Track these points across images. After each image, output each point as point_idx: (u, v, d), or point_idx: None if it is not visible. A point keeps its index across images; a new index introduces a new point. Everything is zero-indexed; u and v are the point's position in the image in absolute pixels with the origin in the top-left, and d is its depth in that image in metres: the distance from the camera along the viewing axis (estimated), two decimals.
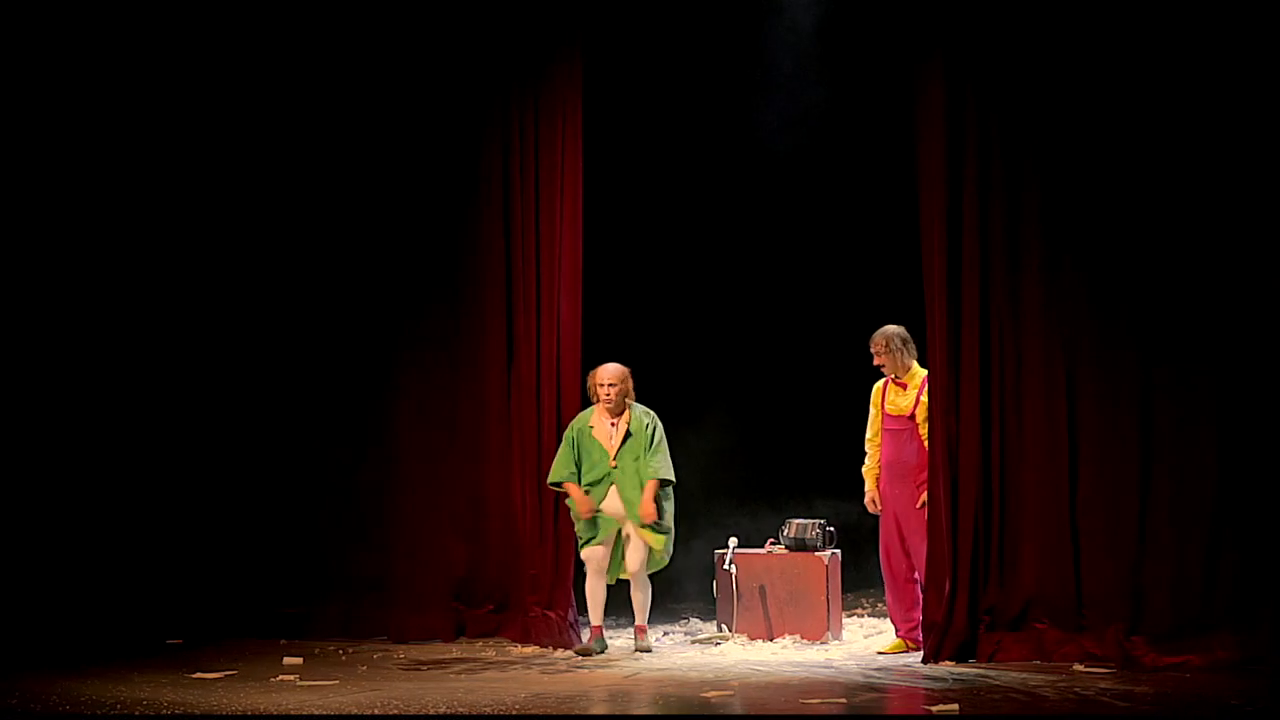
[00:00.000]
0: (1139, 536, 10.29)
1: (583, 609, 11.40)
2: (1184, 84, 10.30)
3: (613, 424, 11.32)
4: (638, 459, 11.20)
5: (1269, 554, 10.06)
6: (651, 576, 11.33)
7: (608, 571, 11.27)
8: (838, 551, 11.71)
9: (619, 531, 11.26)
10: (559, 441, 11.40)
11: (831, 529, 11.71)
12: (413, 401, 11.89)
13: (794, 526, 11.68)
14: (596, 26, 11.86)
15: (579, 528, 11.28)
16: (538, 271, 11.65)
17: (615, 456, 11.24)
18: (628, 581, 11.27)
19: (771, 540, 11.83)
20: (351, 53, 12.00)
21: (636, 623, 11.30)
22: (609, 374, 11.31)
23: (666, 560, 11.33)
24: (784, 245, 13.50)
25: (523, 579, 11.55)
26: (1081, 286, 10.49)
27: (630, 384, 11.39)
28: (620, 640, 11.43)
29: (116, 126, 12.07)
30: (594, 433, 11.32)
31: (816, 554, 11.52)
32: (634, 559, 11.20)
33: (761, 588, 11.59)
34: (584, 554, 11.29)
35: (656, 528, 11.13)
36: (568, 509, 11.32)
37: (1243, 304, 10.17)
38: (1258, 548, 10.08)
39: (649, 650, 11.14)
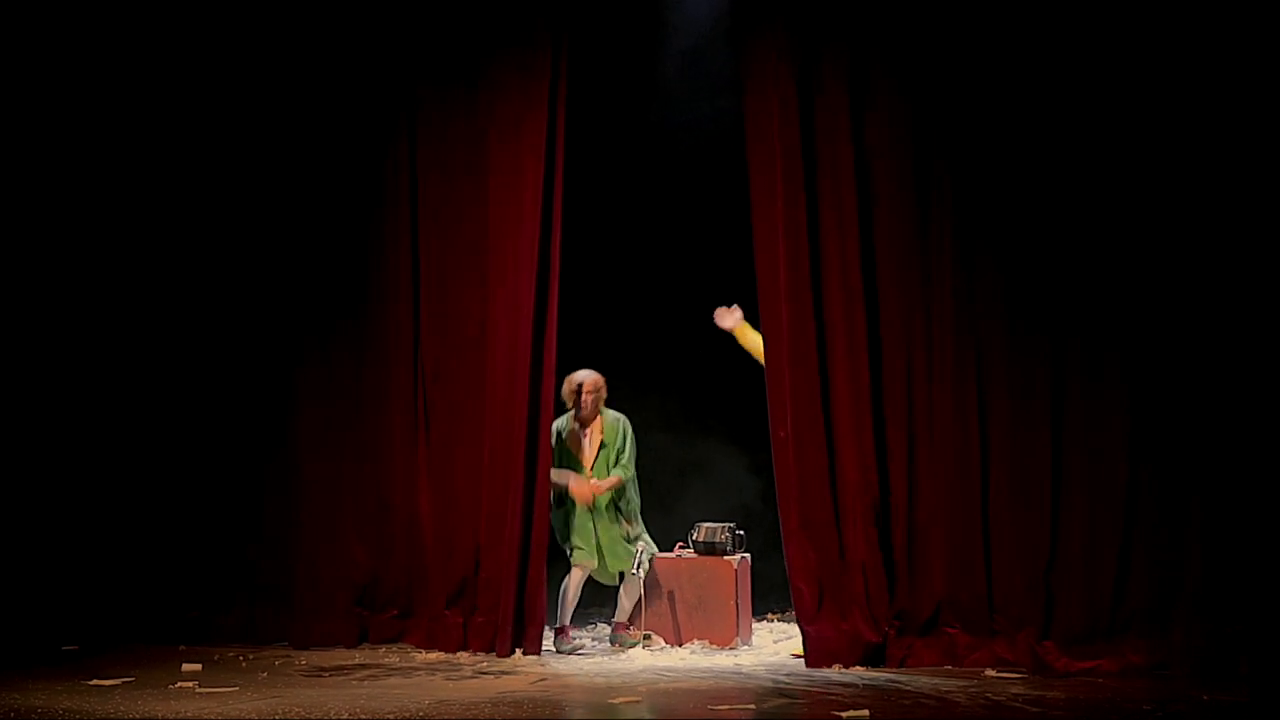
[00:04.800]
0: (1050, 540, 10.29)
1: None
2: (1099, 73, 10.37)
3: (585, 434, 11.41)
4: (610, 470, 11.48)
5: (1180, 558, 10.08)
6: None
7: (598, 571, 11.51)
8: (747, 555, 11.63)
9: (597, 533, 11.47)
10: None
11: (741, 533, 11.63)
12: (315, 403, 11.71)
13: (703, 530, 11.60)
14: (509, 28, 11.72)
15: (565, 536, 11.50)
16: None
17: (591, 467, 11.44)
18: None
19: (681, 544, 11.75)
20: (262, 50, 11.83)
21: (616, 619, 11.53)
22: (590, 381, 11.46)
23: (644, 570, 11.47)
24: (688, 237, 13.32)
25: (427, 584, 11.40)
26: (994, 288, 10.49)
27: (605, 392, 11.52)
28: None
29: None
30: (568, 443, 11.43)
31: (726, 558, 11.45)
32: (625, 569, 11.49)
33: (670, 592, 11.51)
34: (576, 562, 11.42)
35: (628, 539, 11.45)
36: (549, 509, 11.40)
37: (1155, 307, 10.20)
38: (1169, 552, 10.11)
39: (628, 646, 11.31)
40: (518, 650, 11.00)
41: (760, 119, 10.89)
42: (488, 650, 11.07)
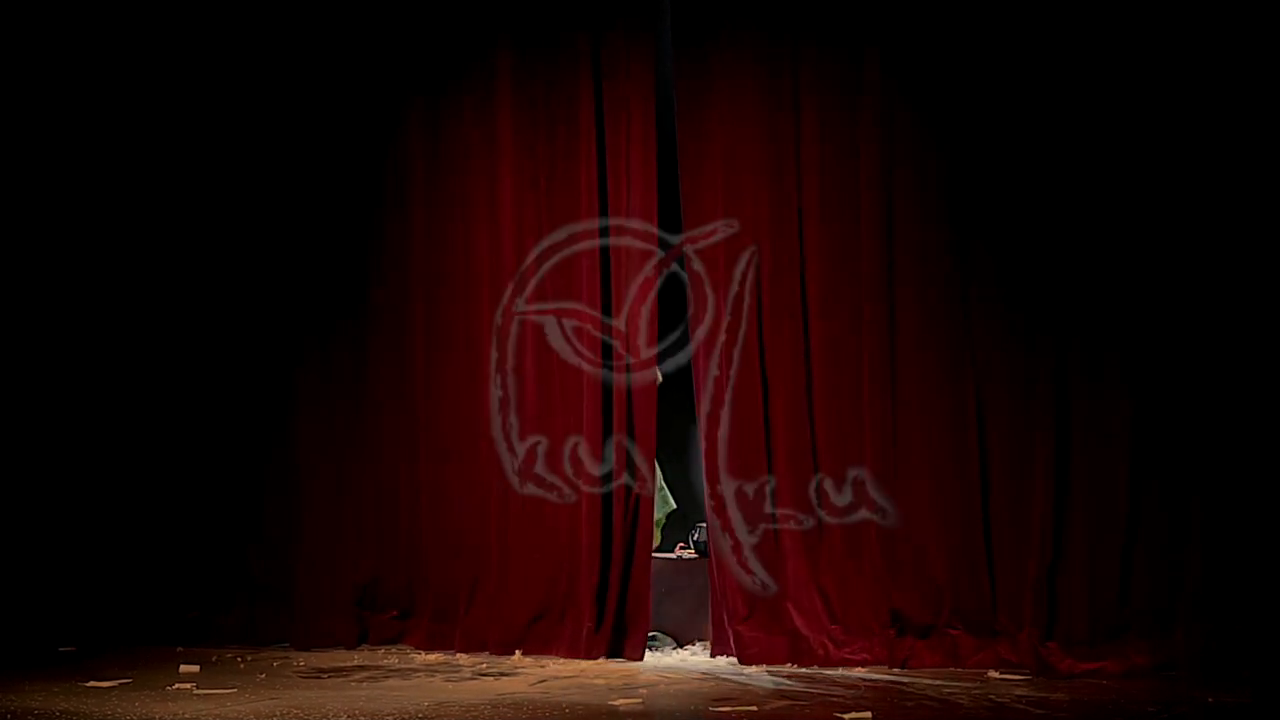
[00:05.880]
0: (1053, 540, 10.25)
1: None
2: (1101, 72, 10.38)
3: None
4: None
5: (1181, 558, 10.07)
6: None
7: None
8: None
9: None
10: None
11: None
12: (315, 403, 11.68)
13: (704, 531, 11.55)
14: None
15: None
16: None
17: None
18: None
19: (681, 545, 11.72)
20: (261, 47, 11.82)
21: None
22: None
23: None
24: None
25: (428, 584, 11.36)
26: (994, 289, 10.47)
27: None
28: None
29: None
30: None
31: None
32: None
33: (671, 593, 11.46)
34: None
35: None
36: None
37: (1156, 306, 10.19)
38: (1171, 552, 10.09)
39: None
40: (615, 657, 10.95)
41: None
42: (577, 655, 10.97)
